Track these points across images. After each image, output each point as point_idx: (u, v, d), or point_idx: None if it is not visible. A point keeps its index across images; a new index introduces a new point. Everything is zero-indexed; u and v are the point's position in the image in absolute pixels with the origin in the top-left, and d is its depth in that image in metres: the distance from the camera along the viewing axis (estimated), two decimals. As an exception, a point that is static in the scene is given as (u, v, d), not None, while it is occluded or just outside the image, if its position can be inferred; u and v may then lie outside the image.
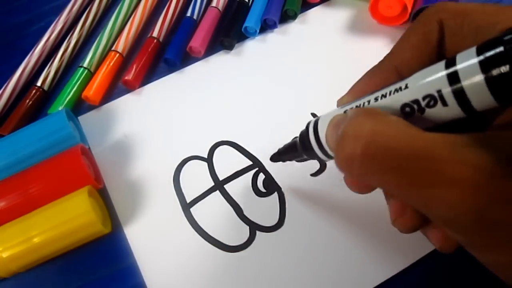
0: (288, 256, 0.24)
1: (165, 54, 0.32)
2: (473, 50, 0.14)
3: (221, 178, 0.27)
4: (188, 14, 0.34)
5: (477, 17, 0.17)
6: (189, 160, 0.28)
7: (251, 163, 0.28)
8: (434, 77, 0.15)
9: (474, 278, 0.24)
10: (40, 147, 0.27)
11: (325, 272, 0.24)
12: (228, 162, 0.28)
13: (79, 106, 0.32)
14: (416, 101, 0.16)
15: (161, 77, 0.32)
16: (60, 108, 0.30)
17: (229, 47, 0.33)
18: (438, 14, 0.18)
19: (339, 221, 0.25)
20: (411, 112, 0.16)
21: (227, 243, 0.25)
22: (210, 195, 0.27)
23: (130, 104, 0.31)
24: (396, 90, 0.17)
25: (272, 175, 0.27)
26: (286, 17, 0.34)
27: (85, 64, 0.32)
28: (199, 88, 0.32)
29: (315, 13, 0.35)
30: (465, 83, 0.14)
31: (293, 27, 0.34)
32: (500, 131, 0.14)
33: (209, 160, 0.28)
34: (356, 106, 0.18)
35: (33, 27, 0.37)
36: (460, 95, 0.14)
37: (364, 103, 0.18)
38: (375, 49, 0.32)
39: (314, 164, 0.27)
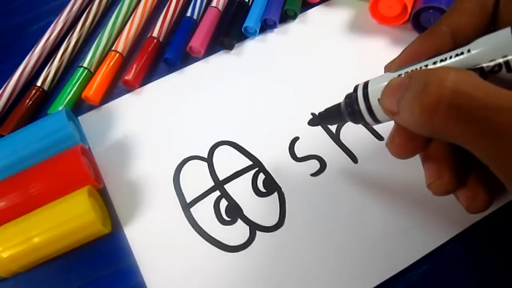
0: (288, 256, 0.24)
1: (165, 54, 0.32)
2: None
3: (221, 178, 0.27)
4: (188, 14, 0.34)
5: None
6: (189, 160, 0.28)
7: (251, 163, 0.28)
8: (500, 43, 0.15)
9: (474, 278, 0.24)
10: (40, 147, 0.27)
11: (325, 272, 0.24)
12: (228, 162, 0.28)
13: (79, 106, 0.32)
14: (479, 67, 0.16)
15: (161, 77, 0.32)
16: (60, 108, 0.30)
17: (229, 47, 0.33)
18: None
19: (339, 221, 0.25)
20: None
21: (227, 243, 0.25)
22: (210, 195, 0.27)
23: (130, 104, 0.31)
24: (457, 55, 0.17)
25: (272, 175, 0.27)
26: (286, 17, 0.34)
27: (85, 64, 0.32)
28: (199, 88, 0.32)
29: (315, 13, 0.35)
30: None
31: (293, 27, 0.34)
32: None
33: (209, 160, 0.28)
34: (426, 66, 0.18)
35: (33, 27, 0.37)
36: None
37: (421, 67, 0.18)
38: (375, 49, 0.32)
39: (314, 164, 0.27)
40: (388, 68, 0.21)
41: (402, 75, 0.19)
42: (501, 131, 0.14)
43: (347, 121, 0.23)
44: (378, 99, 0.19)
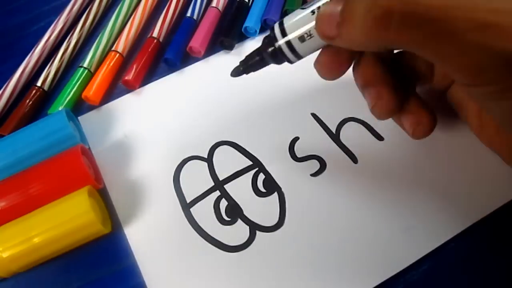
0: (288, 256, 0.24)
1: (165, 54, 0.32)
2: None
3: (221, 178, 0.27)
4: (188, 14, 0.34)
5: None
6: (189, 160, 0.28)
7: (251, 163, 0.28)
8: None
9: (474, 278, 0.24)
10: (40, 147, 0.27)
11: (325, 272, 0.24)
12: (228, 162, 0.28)
13: (79, 106, 0.32)
14: None
15: (161, 77, 0.32)
16: (60, 108, 0.30)
17: (229, 47, 0.33)
18: None
19: (339, 221, 0.25)
20: None
21: (227, 243, 0.25)
22: (210, 195, 0.27)
23: (130, 104, 0.31)
24: None
25: (272, 175, 0.27)
26: (286, 17, 0.34)
27: (85, 64, 0.32)
28: (199, 88, 0.32)
29: (315, 13, 0.35)
30: None
31: (293, 27, 0.34)
32: None
33: (209, 160, 0.28)
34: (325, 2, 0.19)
35: (33, 27, 0.37)
36: None
37: None
38: (375, 49, 0.32)
39: (314, 164, 0.27)
40: None
41: (315, 11, 0.20)
42: (449, 28, 0.15)
43: (269, 64, 0.23)
44: (299, 37, 0.21)
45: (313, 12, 0.20)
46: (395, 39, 0.17)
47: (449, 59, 0.16)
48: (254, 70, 0.24)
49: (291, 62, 0.22)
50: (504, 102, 0.16)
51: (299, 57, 0.22)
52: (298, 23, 0.21)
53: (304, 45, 0.21)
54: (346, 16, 0.18)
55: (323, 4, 0.20)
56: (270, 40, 0.22)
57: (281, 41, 0.21)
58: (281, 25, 0.21)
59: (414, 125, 0.21)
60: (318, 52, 0.22)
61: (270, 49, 0.22)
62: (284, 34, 0.21)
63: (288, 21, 0.21)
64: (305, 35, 0.21)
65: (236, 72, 0.24)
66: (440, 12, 0.15)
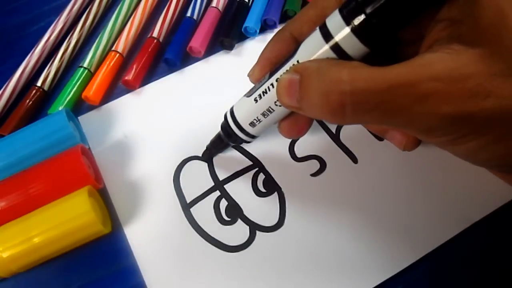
0: (288, 256, 0.24)
1: (165, 54, 0.32)
2: (336, 11, 0.18)
3: (221, 178, 0.27)
4: (188, 14, 0.34)
5: None
6: (189, 160, 0.28)
7: (251, 163, 0.28)
8: (316, 41, 0.19)
9: (474, 278, 0.24)
10: (40, 147, 0.27)
11: (325, 272, 0.24)
12: (228, 162, 0.28)
13: (79, 106, 0.32)
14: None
15: (161, 77, 0.32)
16: (60, 108, 0.30)
17: (229, 47, 0.33)
18: None
19: (339, 221, 0.25)
20: None
21: (227, 243, 0.25)
22: (210, 195, 0.27)
23: (130, 104, 0.31)
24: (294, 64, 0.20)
25: (272, 175, 0.27)
26: (286, 17, 0.34)
27: (85, 64, 0.32)
28: (199, 88, 0.32)
29: (315, 13, 0.35)
30: (337, 37, 0.18)
31: (293, 27, 0.34)
32: (435, 53, 0.17)
33: (209, 160, 0.28)
34: (272, 85, 0.21)
35: (33, 27, 0.37)
36: (337, 48, 0.18)
37: (269, 86, 0.21)
38: (375, 49, 0.32)
39: (314, 164, 0.27)
40: (251, 76, 0.24)
41: (258, 99, 0.22)
42: (396, 106, 0.16)
43: (230, 145, 0.27)
44: (250, 123, 0.23)
45: (255, 100, 0.22)
46: (352, 122, 0.18)
47: (403, 127, 0.18)
48: (219, 152, 0.28)
49: (247, 142, 0.25)
50: (459, 147, 0.18)
51: (253, 137, 0.25)
52: (245, 111, 0.23)
53: (255, 129, 0.24)
54: (304, 96, 0.18)
55: (264, 91, 0.22)
56: (225, 128, 0.25)
57: (236, 130, 0.24)
58: (232, 113, 0.24)
59: (404, 141, 0.22)
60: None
61: (226, 134, 0.25)
62: (235, 121, 0.24)
63: (237, 110, 0.24)
64: (254, 121, 0.23)
65: (205, 157, 0.28)
66: (386, 95, 0.16)
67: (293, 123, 0.23)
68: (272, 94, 0.21)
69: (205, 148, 0.28)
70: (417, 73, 0.16)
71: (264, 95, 0.22)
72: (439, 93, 0.16)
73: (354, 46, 0.17)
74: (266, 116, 0.22)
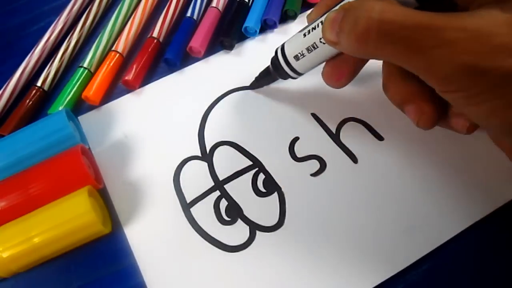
0: (288, 256, 0.24)
1: (165, 54, 0.32)
2: None
3: (221, 178, 0.27)
4: (188, 14, 0.34)
5: None
6: (189, 160, 0.28)
7: (251, 163, 0.28)
8: None
9: (474, 278, 0.24)
10: (40, 147, 0.27)
11: (325, 272, 0.24)
12: (228, 162, 0.28)
13: (79, 106, 0.32)
14: None
15: (161, 77, 0.32)
16: (60, 108, 0.30)
17: (229, 47, 0.33)
18: None
19: (339, 221, 0.25)
20: None
21: (227, 243, 0.25)
22: (210, 195, 0.27)
23: (130, 104, 0.31)
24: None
25: (272, 175, 0.27)
26: (286, 17, 0.34)
27: (85, 64, 0.32)
28: (199, 88, 0.32)
29: (315, 13, 0.35)
30: None
31: (293, 27, 0.34)
32: (478, 10, 0.17)
33: (209, 160, 0.28)
34: (321, 22, 0.23)
35: (33, 27, 0.37)
36: None
37: (318, 23, 0.23)
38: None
39: (314, 164, 0.27)
40: (308, 16, 0.26)
41: (306, 34, 0.24)
42: (417, 45, 0.17)
43: (277, 79, 0.29)
44: (294, 56, 0.25)
45: (304, 35, 0.24)
46: (373, 52, 0.19)
47: (421, 70, 0.19)
48: (266, 84, 0.30)
49: (293, 78, 0.27)
50: (473, 108, 0.18)
51: (298, 73, 0.26)
52: (293, 44, 0.25)
53: (299, 63, 0.25)
54: (341, 26, 0.20)
55: (313, 27, 0.23)
56: (274, 62, 0.27)
57: (282, 62, 0.26)
58: (283, 49, 0.26)
59: (418, 114, 0.22)
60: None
61: (274, 67, 0.27)
62: (284, 55, 0.26)
63: (287, 44, 0.26)
64: (299, 55, 0.25)
65: (252, 85, 0.31)
66: (411, 31, 0.17)
67: (335, 68, 0.24)
68: (319, 31, 0.23)
69: (253, 79, 0.30)
70: (446, 20, 0.17)
71: (312, 31, 0.23)
72: (463, 42, 0.16)
73: None
74: (310, 51, 0.24)
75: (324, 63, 0.25)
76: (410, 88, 0.22)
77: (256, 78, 0.30)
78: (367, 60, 0.25)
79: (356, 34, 0.19)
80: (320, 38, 0.23)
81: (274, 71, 0.28)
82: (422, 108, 0.22)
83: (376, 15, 0.18)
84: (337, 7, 0.21)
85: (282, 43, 0.26)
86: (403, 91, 0.22)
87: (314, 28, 0.23)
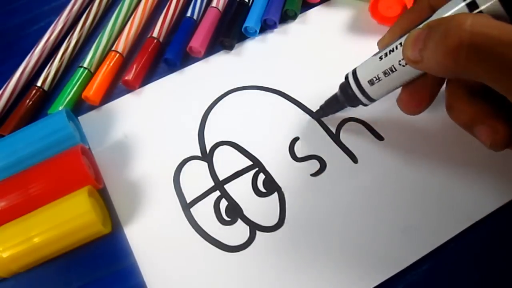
0: (288, 256, 0.24)
1: (165, 54, 0.32)
2: None
3: (221, 178, 0.27)
4: (188, 14, 0.34)
5: None
6: (189, 160, 0.28)
7: (251, 163, 0.28)
8: (457, 7, 0.19)
9: (474, 278, 0.24)
10: (40, 147, 0.27)
11: (325, 272, 0.24)
12: (228, 162, 0.28)
13: (79, 106, 0.32)
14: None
15: (161, 77, 0.32)
16: (60, 108, 0.30)
17: (229, 47, 0.33)
18: None
19: (339, 221, 0.25)
20: None
21: (227, 243, 0.25)
22: (210, 195, 0.27)
23: (130, 104, 0.31)
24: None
25: (272, 175, 0.27)
26: (286, 17, 0.34)
27: (85, 64, 0.32)
28: (199, 88, 0.32)
29: (315, 13, 0.35)
30: (482, 7, 0.18)
31: (293, 27, 0.34)
32: None
33: (209, 160, 0.28)
34: (400, 44, 0.21)
35: (33, 27, 0.37)
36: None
37: (397, 44, 0.22)
38: (375, 49, 0.32)
39: (314, 164, 0.27)
40: (380, 42, 0.25)
41: (383, 57, 0.22)
42: None
43: (345, 107, 0.27)
44: (369, 80, 0.23)
45: (380, 58, 0.23)
46: (462, 70, 0.17)
47: None
48: (333, 112, 0.28)
49: (365, 104, 0.25)
50: None
51: (371, 99, 0.25)
52: (367, 68, 0.24)
53: (374, 88, 0.24)
54: (426, 43, 0.18)
55: (391, 50, 0.22)
56: (344, 88, 0.25)
57: (354, 87, 0.25)
58: (354, 74, 0.24)
59: (491, 134, 0.20)
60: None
61: (345, 94, 0.26)
62: (357, 80, 0.24)
63: (360, 68, 0.24)
64: (374, 79, 0.23)
65: (318, 114, 0.29)
66: (508, 48, 0.15)
67: (413, 93, 0.23)
68: (398, 52, 0.21)
69: (318, 107, 0.28)
70: None
71: (390, 53, 0.22)
72: None
73: (496, 12, 0.17)
74: (387, 75, 0.22)
75: (398, 89, 0.24)
76: (480, 108, 0.20)
77: (322, 107, 0.28)
78: (443, 82, 0.23)
79: (444, 49, 0.17)
80: (399, 60, 0.21)
81: (344, 98, 0.26)
82: (495, 128, 0.20)
83: (469, 27, 0.16)
84: (421, 26, 0.20)
85: (352, 68, 0.25)
86: (472, 111, 0.20)
87: (392, 51, 0.22)
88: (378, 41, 0.25)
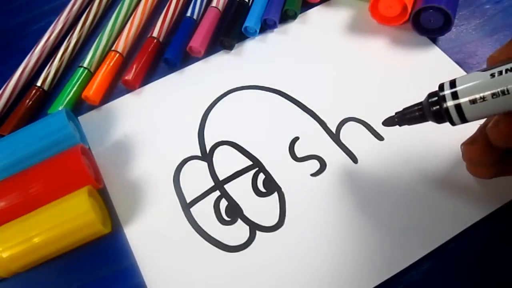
0: (288, 256, 0.24)
1: (165, 54, 0.32)
2: None
3: (221, 178, 0.27)
4: (188, 14, 0.34)
5: None
6: (189, 160, 0.28)
7: (251, 163, 0.28)
8: None
9: (474, 278, 0.24)
10: (40, 147, 0.27)
11: (325, 272, 0.24)
12: (228, 162, 0.28)
13: (79, 106, 0.32)
14: None
15: (161, 77, 0.32)
16: (60, 108, 0.30)
17: (229, 47, 0.33)
18: None
19: (339, 221, 0.25)
20: None
21: (227, 243, 0.25)
22: (210, 195, 0.27)
23: (130, 104, 0.31)
24: None
25: (272, 175, 0.27)
26: (286, 17, 0.34)
27: (85, 64, 0.32)
28: (199, 88, 0.32)
29: (315, 13, 0.35)
30: None
31: (293, 27, 0.34)
32: None
33: (209, 160, 0.28)
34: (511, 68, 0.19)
35: (33, 27, 0.37)
36: None
37: (508, 68, 0.19)
38: (375, 49, 0.32)
39: (314, 164, 0.27)
40: (490, 57, 0.21)
41: (496, 74, 0.19)
42: None
43: (427, 121, 0.22)
44: (471, 100, 0.19)
45: (492, 75, 0.19)
46: None
47: None
48: (409, 124, 0.23)
49: (454, 124, 0.21)
50: None
51: (464, 121, 0.20)
52: (472, 85, 0.20)
53: (474, 108, 0.20)
54: None
55: (509, 68, 0.19)
56: (437, 100, 0.21)
57: (450, 103, 0.20)
58: (453, 86, 0.20)
59: None
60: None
61: (434, 108, 0.21)
62: (455, 96, 0.20)
63: (463, 83, 0.20)
64: (478, 99, 0.19)
65: (389, 122, 0.24)
66: None
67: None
68: None
69: (392, 114, 0.23)
70: None
71: (506, 72, 0.19)
72: None
73: None
74: (495, 97, 0.19)
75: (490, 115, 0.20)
76: None
77: (398, 116, 0.23)
78: None
79: None
80: None
81: (430, 112, 0.21)
82: None
83: None
84: None
85: (449, 80, 0.21)
86: None
87: (509, 70, 0.19)
88: (489, 56, 0.21)
